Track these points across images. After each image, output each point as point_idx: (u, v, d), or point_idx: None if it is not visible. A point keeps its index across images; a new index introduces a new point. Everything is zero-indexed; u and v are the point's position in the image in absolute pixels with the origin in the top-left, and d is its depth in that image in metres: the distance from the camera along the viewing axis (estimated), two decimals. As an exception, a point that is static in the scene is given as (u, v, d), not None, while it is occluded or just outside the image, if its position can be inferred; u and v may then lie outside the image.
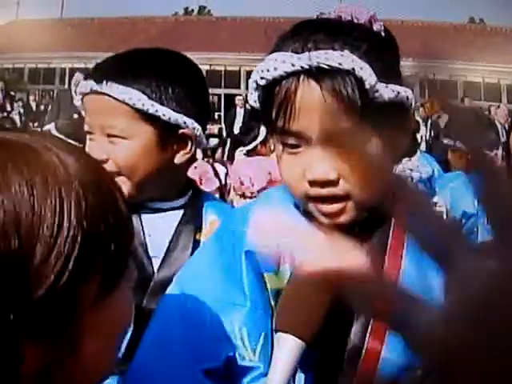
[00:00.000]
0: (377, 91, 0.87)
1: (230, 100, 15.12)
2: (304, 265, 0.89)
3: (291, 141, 0.93)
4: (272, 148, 1.01)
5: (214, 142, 8.50)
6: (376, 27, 0.95)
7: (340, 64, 0.86)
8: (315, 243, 0.46)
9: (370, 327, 0.92)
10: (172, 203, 1.29)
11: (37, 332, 0.53)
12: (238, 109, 12.56)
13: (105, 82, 1.20)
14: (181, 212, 1.29)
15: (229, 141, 6.83)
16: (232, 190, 5.20)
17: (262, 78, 0.91)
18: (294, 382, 0.91)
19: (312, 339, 0.84)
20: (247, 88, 0.97)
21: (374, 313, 0.46)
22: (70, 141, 0.70)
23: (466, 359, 0.37)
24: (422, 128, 9.14)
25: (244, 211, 1.03)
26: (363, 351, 0.91)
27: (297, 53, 0.89)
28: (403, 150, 1.00)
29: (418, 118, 9.36)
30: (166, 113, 1.23)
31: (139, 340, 0.97)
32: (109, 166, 1.20)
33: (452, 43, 18.60)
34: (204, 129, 1.31)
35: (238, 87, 17.15)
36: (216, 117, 13.64)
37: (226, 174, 5.43)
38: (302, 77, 0.88)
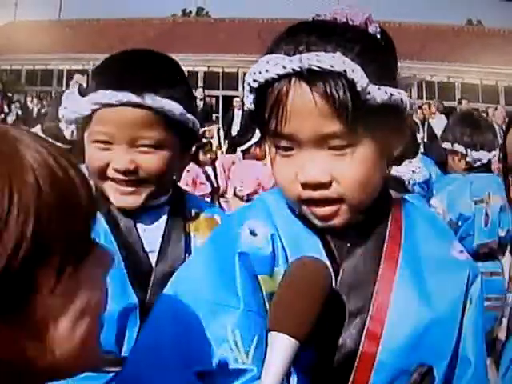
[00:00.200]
0: (369, 93, 0.87)
1: (227, 102, 15.12)
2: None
3: (283, 143, 0.93)
4: (268, 150, 1.01)
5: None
6: (371, 29, 0.94)
7: (331, 66, 0.86)
8: None
9: (365, 330, 0.92)
10: (160, 199, 1.32)
11: None
12: (235, 110, 12.58)
13: (145, 93, 1.19)
14: (167, 207, 1.32)
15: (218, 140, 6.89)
16: (230, 191, 5.28)
17: (254, 80, 0.91)
18: (288, 383, 0.90)
19: (306, 338, 0.83)
20: (244, 91, 0.97)
21: None
22: (57, 143, 0.70)
23: None
24: (420, 130, 9.15)
25: (239, 214, 1.03)
26: (358, 354, 0.91)
27: (289, 55, 0.89)
28: (401, 152, 1.00)
29: (416, 120, 9.37)
30: (194, 122, 1.28)
31: None
32: (135, 176, 1.23)
33: (450, 45, 18.63)
34: None
35: (236, 89, 17.14)
36: (214, 118, 13.64)
37: (215, 176, 5.50)
38: (293, 79, 0.88)
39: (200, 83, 17.61)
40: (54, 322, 0.59)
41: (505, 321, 1.83)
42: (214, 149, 6.71)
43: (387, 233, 0.99)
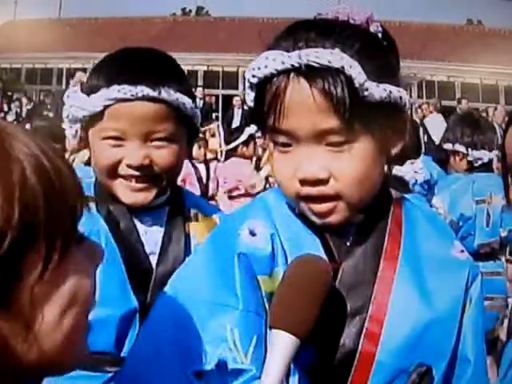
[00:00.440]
0: (366, 89, 0.87)
1: (227, 101, 15.11)
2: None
3: (282, 139, 0.93)
4: (265, 146, 1.01)
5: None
6: (373, 28, 0.94)
7: (329, 62, 0.86)
8: None
9: (364, 330, 0.92)
10: (159, 199, 1.30)
11: None
12: (235, 109, 12.57)
13: (161, 87, 1.20)
14: (166, 208, 1.31)
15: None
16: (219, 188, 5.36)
17: (253, 76, 0.92)
18: (287, 383, 0.90)
19: (306, 336, 0.83)
20: (245, 89, 0.97)
21: None
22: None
23: None
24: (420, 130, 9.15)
25: (239, 214, 1.03)
26: (357, 354, 0.91)
27: (288, 51, 0.89)
28: (403, 152, 0.99)
29: (417, 119, 9.37)
30: (199, 116, 1.29)
31: None
32: (148, 171, 1.23)
33: (450, 45, 18.63)
34: None
35: (236, 88, 17.14)
36: (214, 117, 13.63)
37: (208, 176, 5.54)
38: (292, 75, 0.88)
39: (200, 82, 17.62)
40: (40, 310, 0.59)
41: (506, 322, 1.83)
42: (213, 146, 6.73)
43: (387, 232, 0.99)
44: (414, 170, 2.54)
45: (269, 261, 0.93)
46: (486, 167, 3.23)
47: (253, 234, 0.95)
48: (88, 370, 1.12)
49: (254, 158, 6.43)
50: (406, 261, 0.97)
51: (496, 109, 11.65)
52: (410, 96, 0.99)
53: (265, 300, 0.92)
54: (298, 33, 0.91)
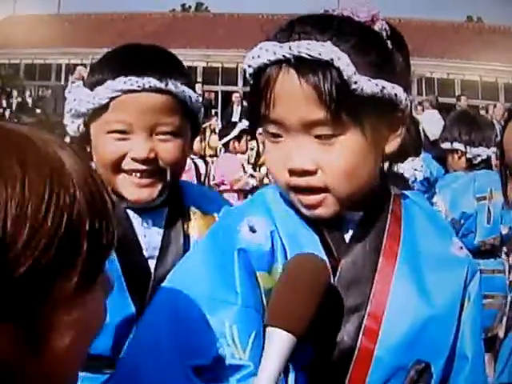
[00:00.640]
0: (355, 83, 0.87)
1: (227, 97, 15.10)
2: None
3: (272, 129, 0.93)
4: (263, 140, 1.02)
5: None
6: (378, 26, 0.95)
7: (320, 54, 0.87)
8: None
9: (363, 326, 0.92)
10: (159, 199, 1.26)
11: (4, 317, 0.54)
12: (234, 106, 12.55)
13: (168, 79, 1.19)
14: (166, 209, 1.28)
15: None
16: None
17: (249, 65, 0.93)
18: (286, 381, 0.90)
19: (303, 334, 0.83)
20: (244, 85, 0.98)
21: None
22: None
23: None
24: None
25: (239, 209, 1.03)
26: (356, 351, 0.91)
27: (281, 42, 0.90)
28: (403, 148, 0.99)
29: (417, 117, 9.35)
30: (202, 110, 1.28)
31: None
32: (153, 165, 1.21)
33: (450, 42, 18.61)
34: None
35: (235, 84, 17.12)
36: (213, 113, 13.62)
37: (207, 172, 5.56)
38: (283, 65, 0.89)
39: (199, 78, 17.59)
40: (60, 337, 0.58)
41: (505, 319, 1.83)
42: (213, 143, 6.73)
43: (386, 229, 0.99)
44: (414, 168, 2.54)
45: (268, 257, 0.93)
46: (485, 164, 3.23)
47: (253, 230, 0.95)
48: (85, 371, 1.11)
49: (254, 155, 6.43)
50: (404, 258, 0.97)
51: (495, 106, 11.63)
52: (410, 93, 0.98)
53: (263, 296, 0.92)
54: (296, 26, 0.92)
